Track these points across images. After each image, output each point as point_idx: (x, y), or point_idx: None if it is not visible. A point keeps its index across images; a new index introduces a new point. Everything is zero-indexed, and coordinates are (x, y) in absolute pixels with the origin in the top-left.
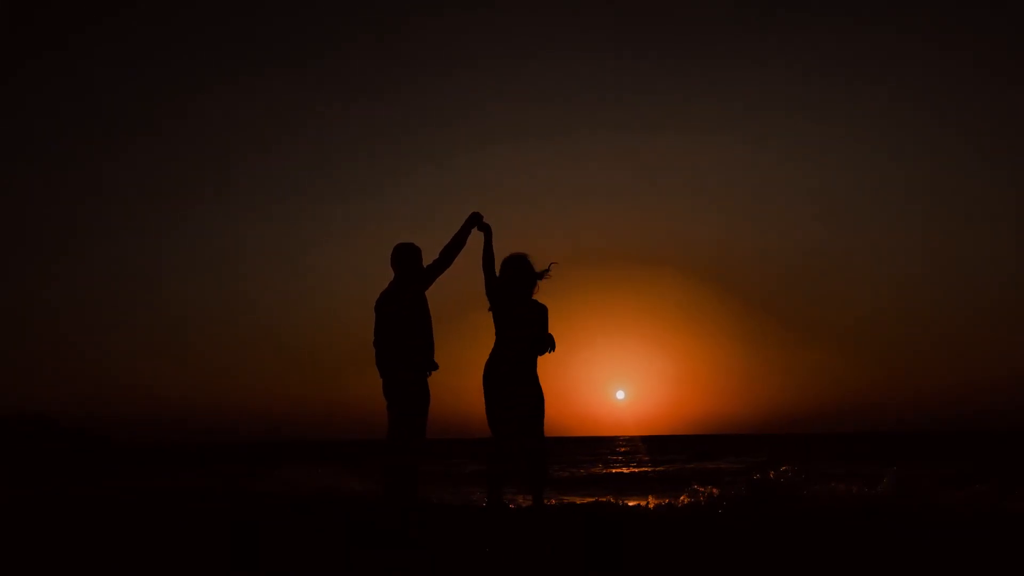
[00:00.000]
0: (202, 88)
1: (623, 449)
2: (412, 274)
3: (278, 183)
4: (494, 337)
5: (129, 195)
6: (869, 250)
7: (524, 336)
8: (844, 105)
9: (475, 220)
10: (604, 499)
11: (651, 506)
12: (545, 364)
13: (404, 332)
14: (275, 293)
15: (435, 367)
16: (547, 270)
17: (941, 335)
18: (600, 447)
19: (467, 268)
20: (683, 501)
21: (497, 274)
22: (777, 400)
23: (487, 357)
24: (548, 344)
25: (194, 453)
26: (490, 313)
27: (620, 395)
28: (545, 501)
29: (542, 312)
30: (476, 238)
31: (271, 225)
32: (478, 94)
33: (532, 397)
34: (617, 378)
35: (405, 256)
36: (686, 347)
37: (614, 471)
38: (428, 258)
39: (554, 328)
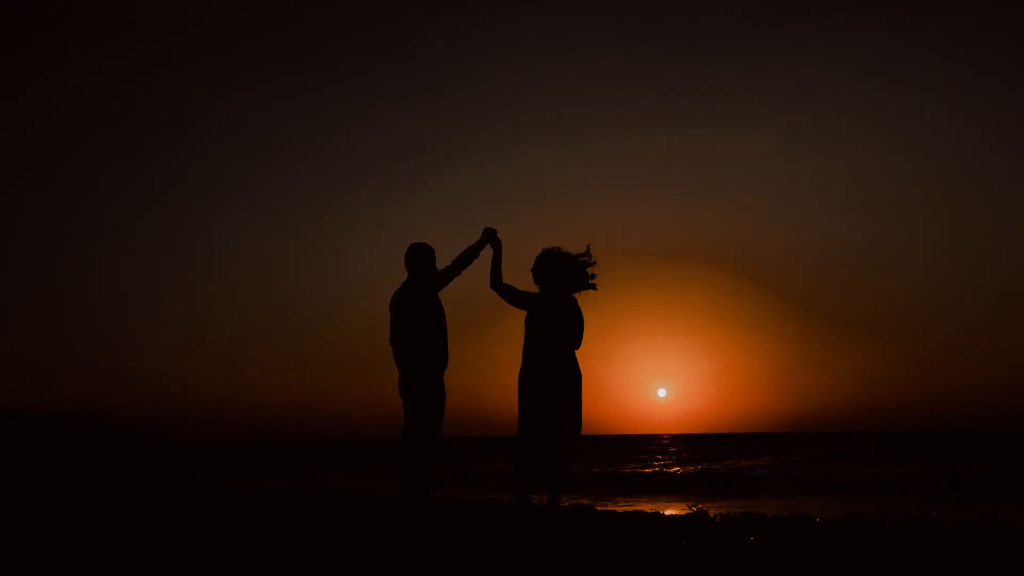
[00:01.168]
0: (234, 91)
1: (658, 448)
2: (425, 274)
3: (311, 184)
4: (525, 334)
5: (161, 196)
6: (905, 245)
7: (561, 334)
8: (880, 102)
9: (489, 235)
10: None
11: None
12: (586, 362)
13: (419, 331)
14: (310, 293)
15: (444, 365)
16: (585, 253)
17: (981, 331)
18: (641, 445)
19: (488, 268)
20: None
21: (533, 272)
22: (818, 397)
23: (522, 355)
24: (576, 341)
25: (223, 451)
26: (514, 310)
27: (661, 393)
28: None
29: (572, 305)
30: (486, 250)
31: (306, 225)
32: (510, 95)
33: (562, 399)
34: (658, 376)
35: (419, 256)
36: (727, 344)
37: (652, 471)
38: (442, 261)
39: (595, 328)
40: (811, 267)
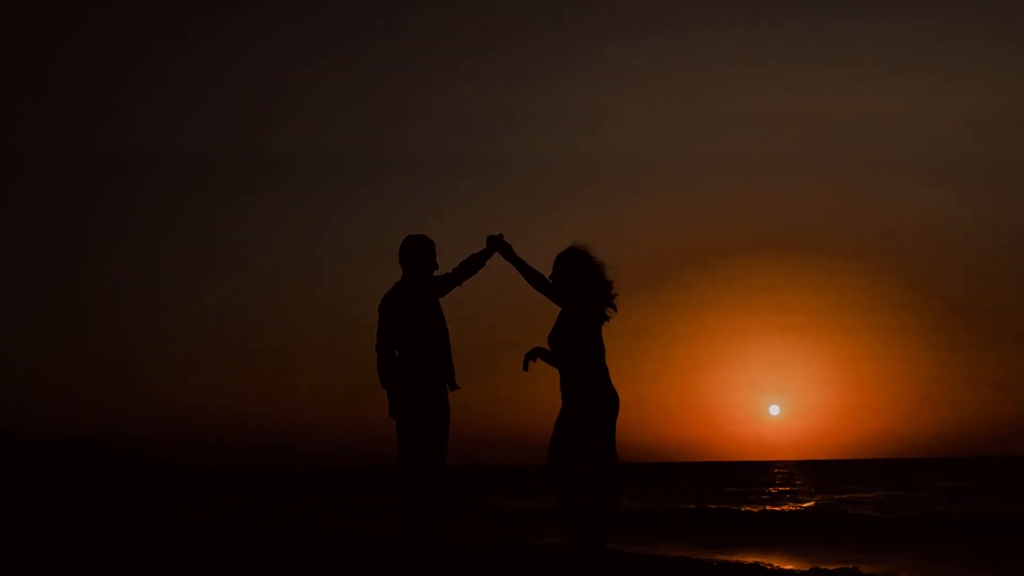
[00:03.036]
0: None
1: (768, 478)
2: (425, 274)
3: (342, 162)
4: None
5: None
6: None
7: (566, 334)
8: None
9: (495, 243)
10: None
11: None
12: (680, 375)
13: (421, 340)
14: (346, 298)
15: (456, 386)
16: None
17: None
18: (747, 474)
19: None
20: None
21: (552, 278)
22: (965, 415)
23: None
24: (570, 343)
25: (233, 478)
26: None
27: (774, 410)
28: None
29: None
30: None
31: (346, 222)
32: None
33: (571, 399)
34: (770, 390)
35: (417, 252)
36: (853, 352)
37: (751, 508)
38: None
39: (690, 333)
40: (959, 257)
